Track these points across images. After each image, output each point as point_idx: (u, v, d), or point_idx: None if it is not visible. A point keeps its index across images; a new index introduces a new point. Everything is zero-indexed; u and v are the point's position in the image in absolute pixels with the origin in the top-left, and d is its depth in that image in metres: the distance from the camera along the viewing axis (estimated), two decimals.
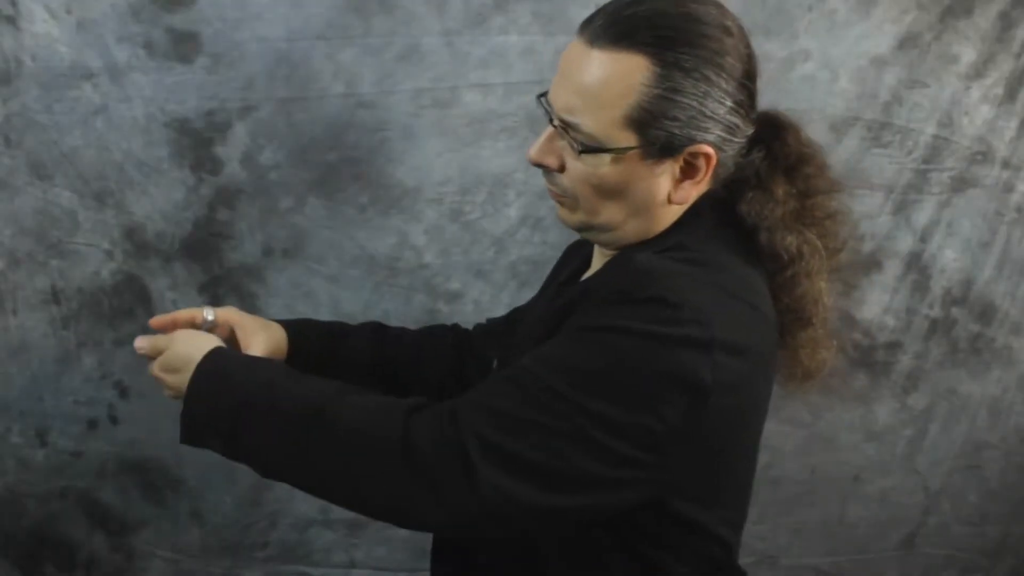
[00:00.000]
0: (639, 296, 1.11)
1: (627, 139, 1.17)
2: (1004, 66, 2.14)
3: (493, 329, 1.60)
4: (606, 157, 1.18)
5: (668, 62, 1.15)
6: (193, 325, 1.41)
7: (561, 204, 1.26)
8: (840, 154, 2.15)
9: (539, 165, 1.24)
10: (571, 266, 1.43)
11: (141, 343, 1.32)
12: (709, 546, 1.25)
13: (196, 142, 2.12)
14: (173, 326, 1.40)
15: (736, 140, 1.21)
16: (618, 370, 1.10)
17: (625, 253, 1.23)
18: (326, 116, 2.12)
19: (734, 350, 1.12)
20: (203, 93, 2.10)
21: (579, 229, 1.28)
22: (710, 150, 1.18)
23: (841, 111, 2.15)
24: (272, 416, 1.17)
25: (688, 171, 1.20)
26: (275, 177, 2.14)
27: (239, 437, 1.21)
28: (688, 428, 1.11)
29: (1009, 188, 2.20)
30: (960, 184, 2.19)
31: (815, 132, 2.13)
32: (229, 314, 1.43)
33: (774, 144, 1.25)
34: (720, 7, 1.20)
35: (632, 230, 1.24)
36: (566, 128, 1.19)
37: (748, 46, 1.22)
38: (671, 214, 1.24)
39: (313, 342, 1.51)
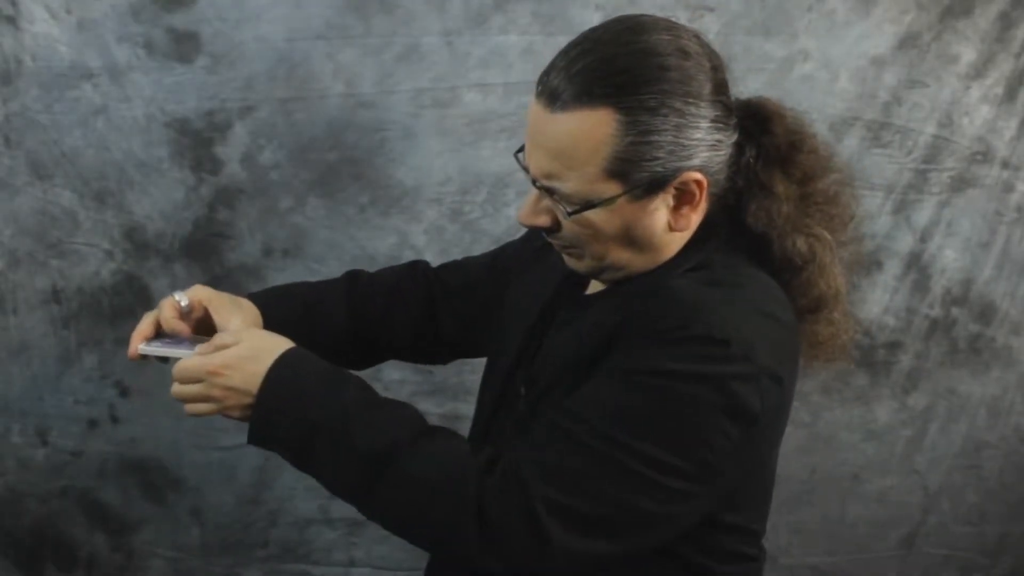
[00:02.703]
0: (684, 335, 1.11)
1: (612, 189, 1.16)
2: (1004, 66, 2.14)
3: (471, 280, 1.56)
4: (591, 212, 1.17)
5: (632, 108, 1.13)
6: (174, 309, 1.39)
7: (568, 255, 1.25)
8: (840, 154, 2.15)
9: (532, 227, 1.23)
10: (556, 261, 1.41)
11: (204, 348, 1.25)
12: (746, 542, 1.28)
13: (196, 142, 2.12)
14: (155, 330, 1.37)
15: (723, 152, 1.19)
16: (671, 413, 1.11)
17: (659, 279, 1.21)
18: (326, 116, 2.12)
19: (776, 375, 1.14)
20: (203, 93, 2.10)
21: (592, 275, 1.27)
22: (699, 176, 1.16)
23: (841, 111, 2.15)
24: (343, 450, 1.16)
25: (683, 198, 1.18)
26: (275, 177, 2.14)
27: (308, 458, 1.19)
28: (740, 452, 1.14)
29: (1009, 188, 2.20)
30: (960, 184, 2.19)
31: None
32: (201, 294, 1.40)
33: (763, 139, 1.23)
34: (672, 29, 1.17)
35: (644, 262, 1.23)
36: (549, 192, 1.18)
37: (711, 56, 1.19)
38: (677, 241, 1.23)
39: (286, 315, 1.49)
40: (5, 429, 2.24)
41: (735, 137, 1.21)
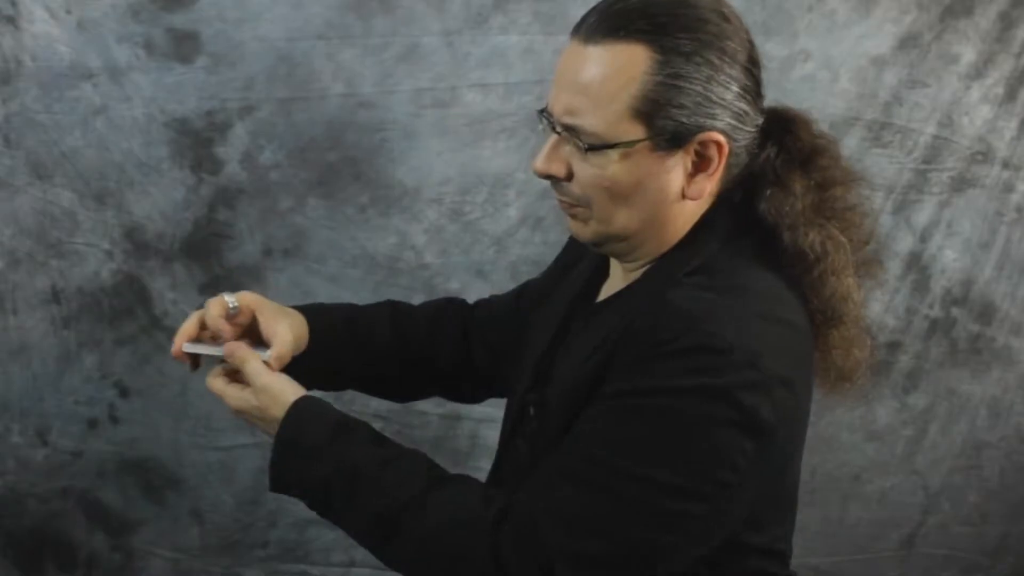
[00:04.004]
0: (682, 346, 1.07)
1: (634, 132, 1.13)
2: (1004, 66, 2.14)
3: (498, 313, 1.56)
4: (614, 154, 1.13)
5: (667, 48, 1.12)
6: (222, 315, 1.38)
7: (573, 217, 1.21)
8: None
9: (546, 176, 1.20)
10: (583, 269, 1.39)
11: (231, 350, 1.27)
12: (772, 564, 1.24)
13: (196, 142, 2.12)
14: (199, 331, 1.36)
15: (746, 128, 1.16)
16: (680, 434, 1.06)
17: (654, 285, 1.18)
18: (326, 116, 2.12)
19: (787, 381, 1.10)
20: (203, 93, 2.10)
21: (594, 243, 1.23)
22: (721, 138, 1.13)
23: (841, 111, 2.15)
24: (355, 509, 1.18)
25: (700, 164, 1.15)
26: (275, 177, 2.14)
27: (326, 512, 1.22)
28: (759, 466, 1.10)
29: (1009, 188, 2.20)
30: (960, 184, 2.19)
31: None
32: (250, 299, 1.38)
33: (786, 138, 1.20)
34: None
35: (649, 237, 1.20)
36: (570, 131, 1.15)
37: (748, 33, 1.19)
38: (685, 216, 1.19)
39: (335, 332, 1.47)
40: (5, 429, 2.24)
41: (759, 120, 1.19)
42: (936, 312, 2.24)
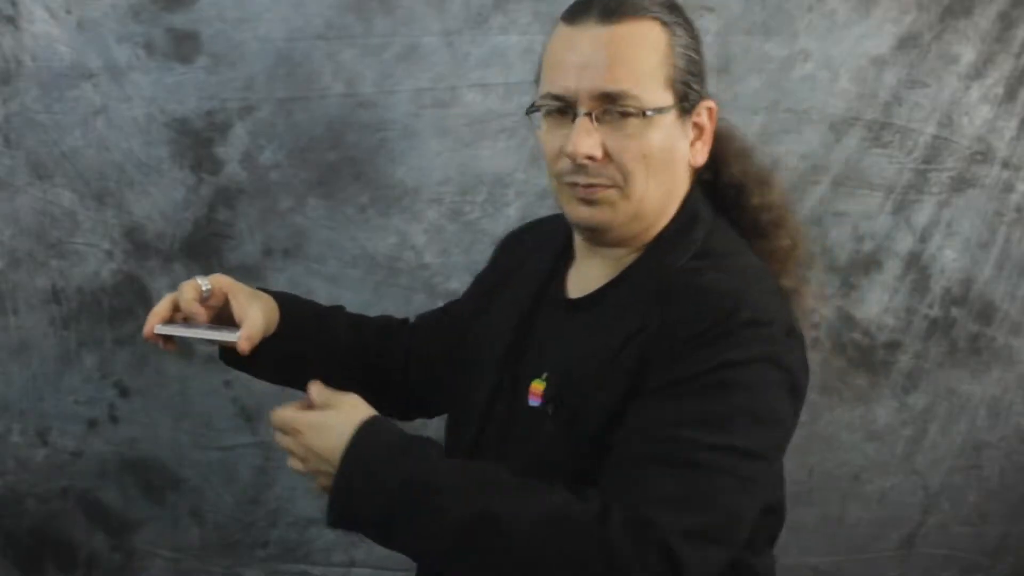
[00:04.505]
0: (729, 326, 1.15)
1: (667, 99, 1.23)
2: (1004, 66, 2.14)
3: (433, 328, 1.58)
4: (652, 120, 1.22)
5: (672, 24, 1.24)
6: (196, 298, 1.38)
7: (599, 202, 1.25)
8: (840, 154, 2.15)
9: (589, 159, 1.23)
10: (535, 267, 1.41)
11: (282, 415, 1.22)
12: (776, 525, 1.34)
13: (196, 142, 2.12)
14: (172, 313, 1.37)
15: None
16: (746, 403, 1.15)
17: (664, 274, 1.24)
18: (326, 116, 2.12)
19: (802, 341, 1.23)
20: (203, 93, 2.10)
21: (612, 227, 1.26)
22: (713, 104, 1.27)
23: (841, 111, 2.15)
24: (435, 520, 1.13)
25: (698, 132, 1.27)
26: (275, 177, 2.14)
27: (393, 534, 1.17)
28: (795, 424, 1.24)
29: (1009, 188, 2.20)
30: (960, 184, 2.19)
31: (815, 132, 2.15)
32: (222, 282, 1.40)
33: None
34: None
35: (656, 215, 1.27)
36: (606, 101, 1.21)
37: None
38: (676, 195, 1.28)
39: (305, 320, 1.49)
40: (5, 429, 2.24)
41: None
42: (936, 312, 2.24)
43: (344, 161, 2.13)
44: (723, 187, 1.32)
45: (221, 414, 2.22)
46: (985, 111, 2.16)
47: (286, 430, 1.20)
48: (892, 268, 2.22)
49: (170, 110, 2.11)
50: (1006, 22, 2.13)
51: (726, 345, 1.14)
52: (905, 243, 2.21)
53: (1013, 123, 2.17)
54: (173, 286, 2.15)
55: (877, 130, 2.16)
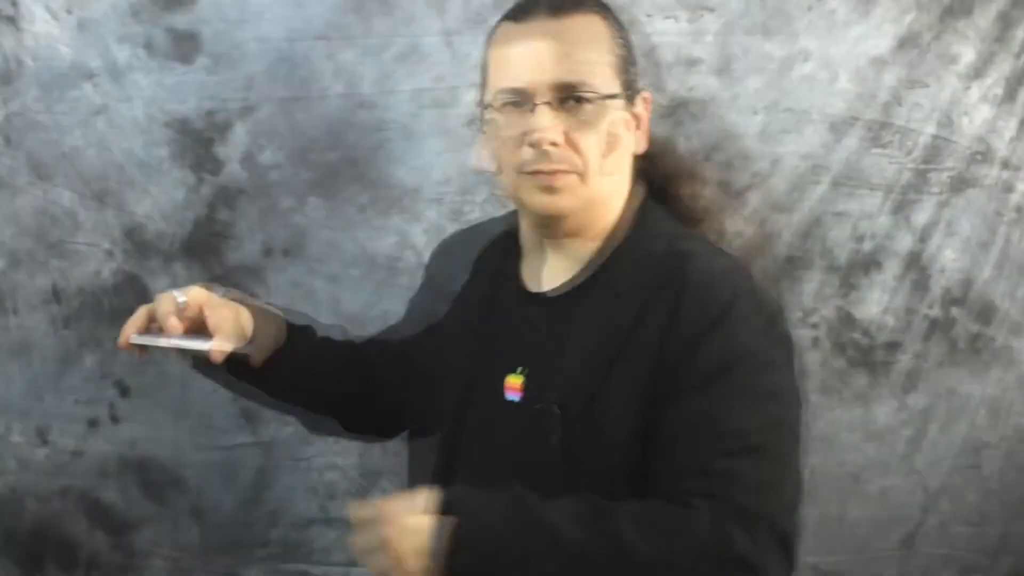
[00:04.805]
0: (734, 315, 1.23)
1: (617, 86, 1.32)
2: (1004, 66, 2.14)
3: (396, 354, 1.62)
4: (605, 105, 1.29)
5: (609, 17, 1.34)
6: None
7: (560, 189, 1.28)
8: (839, 154, 2.15)
9: (552, 145, 1.27)
10: (481, 268, 1.44)
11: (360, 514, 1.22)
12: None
13: (196, 142, 2.13)
14: (148, 323, 1.39)
15: None
16: (774, 380, 1.25)
17: (651, 260, 1.28)
18: (326, 116, 2.12)
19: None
20: (203, 93, 2.10)
21: (571, 213, 1.30)
22: (648, 94, 1.37)
23: (841, 111, 2.15)
24: (566, 564, 1.14)
25: (637, 121, 1.35)
26: (275, 177, 2.14)
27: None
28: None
29: (1009, 188, 2.20)
30: (960, 184, 2.19)
31: (814, 132, 2.15)
32: (197, 294, 1.42)
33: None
34: None
35: (608, 203, 1.35)
36: (563, 89, 1.28)
37: None
38: (621, 187, 1.35)
39: (309, 338, 1.50)
40: (5, 429, 2.24)
41: None
42: (935, 312, 2.24)
43: (344, 161, 2.13)
44: (656, 177, 1.40)
45: (221, 414, 2.23)
46: (985, 111, 2.16)
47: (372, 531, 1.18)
48: (892, 268, 2.22)
49: (170, 110, 2.11)
50: (1006, 22, 2.13)
51: (737, 336, 1.23)
52: (905, 243, 2.21)
53: (1013, 123, 2.18)
54: (173, 286, 2.16)
55: (877, 130, 2.16)
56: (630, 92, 1.32)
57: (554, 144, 1.26)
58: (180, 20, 2.08)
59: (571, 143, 1.27)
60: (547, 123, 1.25)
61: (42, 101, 2.10)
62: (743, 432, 1.19)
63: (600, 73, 1.29)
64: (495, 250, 1.42)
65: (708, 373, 1.18)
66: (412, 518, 1.16)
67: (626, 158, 1.32)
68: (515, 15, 1.32)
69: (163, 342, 1.34)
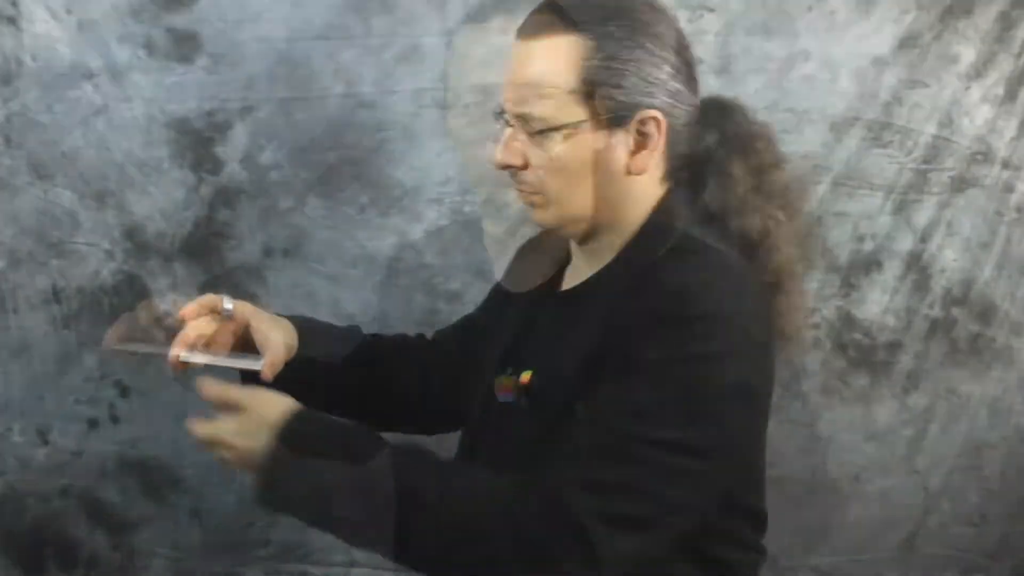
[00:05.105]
0: (685, 316, 1.15)
1: (578, 114, 1.23)
2: (1004, 66, 2.14)
3: (452, 343, 1.60)
4: (559, 136, 1.23)
5: (600, 34, 1.23)
6: (212, 311, 1.39)
7: (533, 205, 1.29)
8: (840, 154, 2.15)
9: (505, 167, 1.27)
10: (538, 269, 1.43)
11: (210, 390, 1.24)
12: (758, 528, 1.32)
13: (196, 142, 2.13)
14: (197, 312, 1.38)
15: (683, 107, 1.26)
16: (688, 397, 1.14)
17: (636, 263, 1.24)
18: (326, 116, 2.12)
19: (767, 348, 1.22)
20: (203, 93, 2.10)
21: (556, 227, 1.30)
22: (658, 114, 1.24)
23: (841, 111, 2.15)
24: (364, 502, 1.15)
25: (642, 141, 1.25)
26: (275, 177, 2.14)
27: (328, 512, 1.18)
28: (749, 427, 1.22)
29: (1009, 188, 2.20)
30: (960, 184, 2.19)
31: (815, 132, 2.15)
32: (245, 309, 1.41)
33: (726, 126, 1.30)
34: None
35: (605, 217, 1.27)
36: (521, 120, 1.24)
37: (676, 21, 1.29)
38: (637, 196, 1.27)
39: (319, 345, 1.49)
40: (5, 429, 2.24)
41: (695, 101, 1.29)
42: (936, 312, 2.24)
43: (344, 161, 2.14)
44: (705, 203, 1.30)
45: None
46: (985, 111, 2.16)
47: (212, 444, 1.21)
48: (892, 268, 2.22)
49: (170, 110, 2.11)
50: (1006, 22, 2.13)
51: (671, 339, 1.15)
52: (905, 243, 2.21)
53: (1013, 123, 2.17)
54: (173, 286, 2.17)
55: (877, 130, 2.16)
56: (608, 115, 1.23)
57: (506, 166, 1.26)
58: (180, 20, 2.08)
59: (529, 167, 1.26)
60: (501, 147, 1.26)
61: (42, 101, 2.10)
62: (624, 435, 1.13)
63: (549, 105, 1.22)
64: (558, 249, 1.41)
65: (627, 369, 1.15)
66: (256, 422, 1.20)
67: (612, 180, 1.22)
68: (518, 29, 1.30)
69: (212, 360, 1.32)
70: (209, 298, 1.39)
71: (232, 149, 2.13)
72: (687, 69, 1.28)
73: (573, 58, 1.22)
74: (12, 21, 2.07)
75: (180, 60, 2.09)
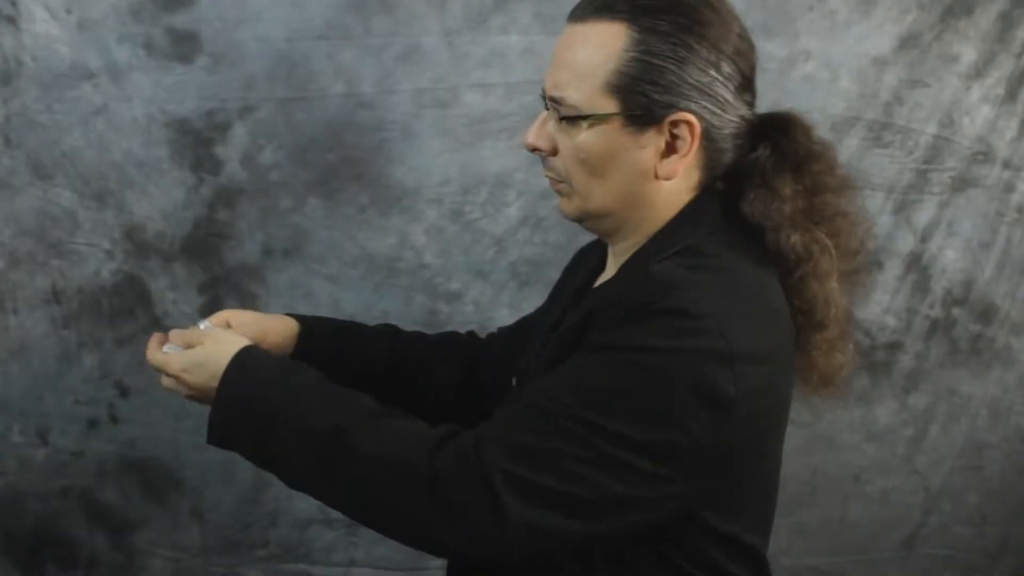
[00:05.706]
0: (657, 308, 1.09)
1: (608, 106, 1.17)
2: (1004, 66, 2.14)
3: (503, 340, 1.58)
4: (585, 125, 1.18)
5: (645, 27, 1.16)
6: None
7: (559, 193, 1.26)
8: (841, 154, 2.14)
9: (534, 149, 1.24)
10: (582, 272, 1.41)
11: (174, 334, 1.30)
12: (741, 556, 1.22)
13: (196, 142, 2.12)
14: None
15: (727, 116, 1.19)
16: (641, 389, 1.08)
17: (639, 262, 1.21)
18: (326, 116, 2.12)
19: (755, 359, 1.11)
20: (203, 93, 2.10)
21: (578, 219, 1.26)
22: (692, 118, 1.16)
23: (842, 111, 2.15)
24: (297, 430, 1.16)
25: (674, 144, 1.18)
26: (275, 177, 2.14)
27: (266, 447, 1.20)
28: (713, 440, 1.09)
29: (1009, 188, 2.20)
30: (960, 184, 2.19)
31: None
32: (226, 318, 1.42)
33: (781, 141, 1.22)
34: None
35: (629, 216, 1.23)
36: (553, 103, 1.21)
37: (741, 28, 1.21)
38: (664, 199, 1.21)
39: (323, 340, 1.49)
40: (5, 429, 2.24)
41: (745, 112, 1.21)
42: (936, 312, 2.24)
43: (344, 161, 2.13)
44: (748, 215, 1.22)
45: None
46: (986, 111, 2.16)
47: (164, 372, 1.27)
48: (893, 268, 2.22)
49: (170, 110, 2.11)
50: (1007, 22, 2.13)
51: (641, 328, 1.09)
52: (906, 243, 2.21)
53: (1014, 123, 2.18)
54: (173, 286, 2.17)
55: (878, 130, 2.16)
56: (639, 113, 1.16)
57: (534, 149, 1.23)
58: (180, 20, 2.08)
59: (558, 153, 1.22)
60: (533, 127, 1.23)
61: (42, 101, 2.10)
62: (563, 409, 1.08)
63: (583, 92, 1.17)
64: (592, 258, 1.39)
65: (590, 349, 1.12)
66: (207, 357, 1.24)
67: (636, 181, 1.16)
68: (571, 12, 1.27)
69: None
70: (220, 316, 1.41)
71: (232, 149, 2.13)
72: (741, 79, 1.20)
73: (613, 48, 1.17)
74: (12, 21, 2.07)
75: (180, 60, 2.09)
